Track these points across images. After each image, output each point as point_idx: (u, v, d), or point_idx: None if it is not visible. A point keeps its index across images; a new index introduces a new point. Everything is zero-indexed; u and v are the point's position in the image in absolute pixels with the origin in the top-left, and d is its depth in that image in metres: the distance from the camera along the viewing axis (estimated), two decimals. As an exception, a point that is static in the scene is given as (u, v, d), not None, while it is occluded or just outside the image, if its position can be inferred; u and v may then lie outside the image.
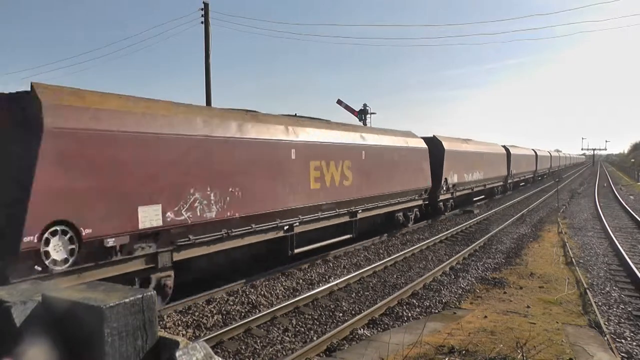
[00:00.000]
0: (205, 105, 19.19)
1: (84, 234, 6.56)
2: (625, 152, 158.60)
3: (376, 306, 8.62)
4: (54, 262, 6.23)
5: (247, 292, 9.49)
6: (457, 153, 21.52)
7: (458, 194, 22.14)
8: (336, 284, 10.03)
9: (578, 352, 6.68)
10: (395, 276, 11.22)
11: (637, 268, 11.28)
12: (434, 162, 18.73)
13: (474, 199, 26.03)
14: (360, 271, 11.10)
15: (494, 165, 28.69)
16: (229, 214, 8.95)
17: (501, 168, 30.77)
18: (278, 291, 9.74)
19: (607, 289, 10.26)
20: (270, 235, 10.43)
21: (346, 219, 13.22)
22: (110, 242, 6.98)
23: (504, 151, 32.23)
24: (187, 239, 8.27)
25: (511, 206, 26.37)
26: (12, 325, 2.17)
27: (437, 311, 8.73)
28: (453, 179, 20.93)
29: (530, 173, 42.51)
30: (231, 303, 8.90)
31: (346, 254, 13.28)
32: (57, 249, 6.28)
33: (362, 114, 33.27)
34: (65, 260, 6.38)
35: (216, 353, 6.35)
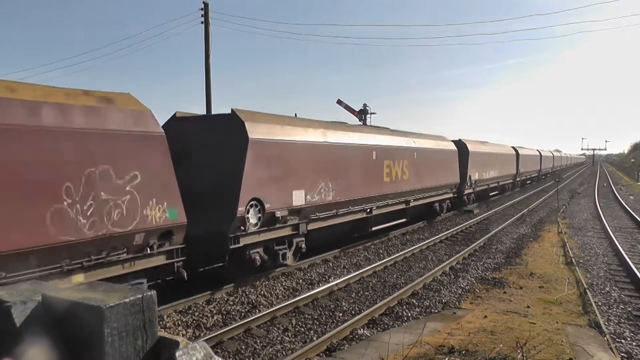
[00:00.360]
0: (205, 105, 19.57)
1: (266, 207, 9.94)
2: (625, 152, 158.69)
3: (376, 306, 8.62)
4: (250, 224, 9.58)
5: (247, 292, 9.49)
6: (478, 154, 24.75)
7: (478, 189, 25.46)
8: (336, 284, 10.03)
9: (578, 352, 6.68)
10: (395, 276, 11.22)
11: (637, 268, 11.28)
12: (460, 162, 21.81)
13: (490, 194, 29.57)
14: (360, 271, 11.10)
15: (505, 164, 31.91)
16: (338, 198, 12.45)
17: (511, 167, 33.86)
18: (278, 291, 9.74)
19: (607, 289, 10.26)
20: (359, 216, 13.83)
21: (402, 206, 16.58)
22: (278, 213, 10.28)
23: (513, 152, 35.12)
24: (315, 215, 11.66)
25: (511, 206, 26.38)
26: (12, 325, 2.17)
27: (437, 311, 8.74)
28: (475, 176, 24.23)
29: (535, 172, 45.31)
30: (231, 303, 8.90)
31: (346, 254, 13.28)
32: (252, 216, 9.66)
33: (362, 114, 33.27)
34: (256, 224, 9.78)
35: (216, 353, 6.35)
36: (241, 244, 9.45)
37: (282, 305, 8.53)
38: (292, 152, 10.78)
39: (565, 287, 10.15)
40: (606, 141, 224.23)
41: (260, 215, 9.84)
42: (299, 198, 10.95)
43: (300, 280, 10.57)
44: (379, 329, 7.83)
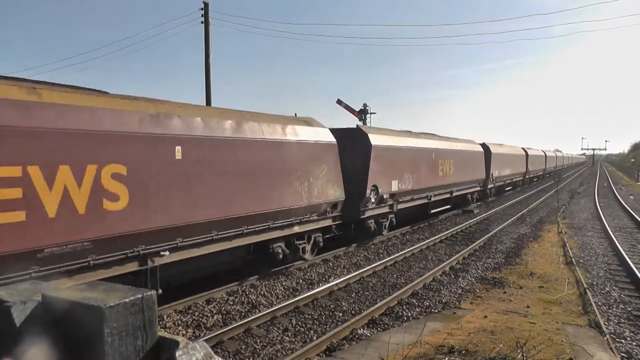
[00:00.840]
0: (205, 104, 19.66)
1: (379, 191, 14.40)
2: (625, 152, 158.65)
3: (376, 306, 8.63)
4: (371, 202, 14.06)
5: (247, 292, 9.49)
6: (498, 155, 29.09)
7: (497, 184, 30.06)
8: (336, 284, 10.03)
9: (578, 352, 6.68)
10: (395, 276, 11.22)
11: (637, 268, 11.29)
12: (485, 161, 26.50)
13: (505, 189, 34.22)
14: (360, 271, 11.10)
15: (518, 163, 36.16)
16: (413, 187, 16.81)
17: (522, 166, 37.88)
18: (278, 291, 9.74)
19: (607, 288, 10.27)
20: (424, 201, 18.30)
21: (448, 195, 20.98)
22: (385, 196, 14.89)
23: (524, 153, 38.91)
24: (401, 198, 16.17)
25: (511, 206, 26.38)
26: (11, 325, 2.17)
27: (437, 311, 8.74)
28: (495, 173, 28.43)
29: (541, 171, 49.93)
30: (231, 303, 8.90)
31: (346, 254, 13.29)
32: (372, 197, 14.12)
33: (362, 113, 33.28)
34: (373, 202, 14.20)
35: (216, 353, 6.35)
36: (365, 215, 14.05)
37: (282, 305, 8.53)
38: (391, 153, 15.35)
39: (565, 287, 10.15)
40: (606, 141, 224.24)
41: (376, 196, 14.45)
42: (394, 186, 15.60)
43: (300, 280, 10.57)
44: (379, 328, 7.83)
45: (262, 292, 9.55)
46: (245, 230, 9.28)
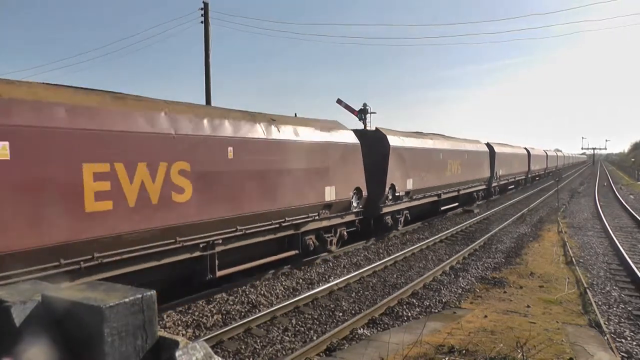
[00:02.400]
0: (205, 104, 19.69)
1: (396, 189, 15.49)
2: (626, 151, 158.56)
3: (376, 306, 8.63)
4: (388, 200, 15.17)
5: (247, 292, 9.49)
6: (502, 154, 30.26)
7: (501, 183, 31.39)
8: (336, 284, 10.03)
9: (578, 351, 6.68)
10: (395, 276, 11.22)
11: (637, 267, 11.28)
12: (490, 161, 27.83)
13: (509, 187, 35.34)
14: (360, 271, 11.10)
15: (521, 163, 37.70)
16: (425, 185, 18.13)
17: (525, 165, 39.36)
18: (278, 291, 9.74)
19: (607, 288, 10.27)
20: (434, 198, 19.51)
21: (456, 193, 22.20)
22: (401, 193, 16.08)
23: (526, 152, 40.28)
24: (415, 196, 17.41)
25: (511, 206, 26.38)
26: (11, 325, 2.17)
27: (437, 311, 8.74)
28: (500, 172, 29.64)
29: (543, 170, 51.31)
30: (231, 303, 8.89)
31: (346, 254, 13.29)
32: (390, 194, 15.13)
33: (362, 113, 33.28)
34: (390, 199, 15.30)
35: (216, 353, 6.35)
36: (383, 211, 15.14)
37: (282, 305, 8.53)
38: (407, 153, 16.44)
39: (566, 286, 10.15)
40: (606, 140, 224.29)
41: (393, 194, 15.50)
42: (409, 184, 16.61)
43: (300, 280, 10.57)
44: (379, 328, 7.83)
45: (262, 292, 9.55)
46: (283, 224, 10.44)
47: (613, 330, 7.81)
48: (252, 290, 9.64)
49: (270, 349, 6.95)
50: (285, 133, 10.64)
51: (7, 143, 5.71)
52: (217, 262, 8.85)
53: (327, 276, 10.97)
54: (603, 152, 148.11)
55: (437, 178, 19.26)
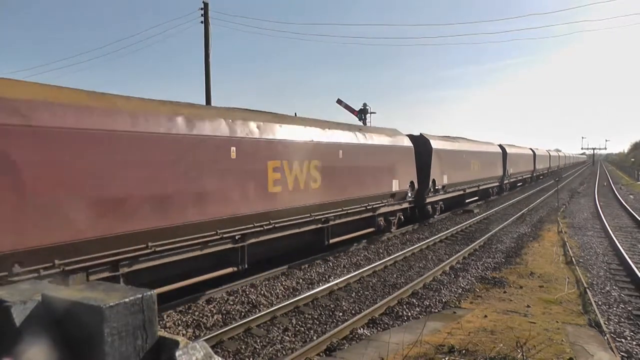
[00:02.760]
0: (205, 104, 19.75)
1: (436, 183, 18.73)
2: (625, 151, 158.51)
3: (376, 306, 8.63)
4: (431, 192, 18.34)
5: (247, 292, 9.49)
6: (512, 154, 33.88)
7: (511, 180, 35.08)
8: (336, 284, 10.03)
9: (578, 351, 6.68)
10: (395, 276, 11.22)
11: (637, 267, 11.28)
12: (501, 160, 31.41)
13: (517, 184, 39.44)
14: (360, 271, 11.10)
15: (527, 162, 41.19)
16: (454, 181, 21.23)
17: (530, 165, 42.75)
18: (278, 291, 9.74)
19: (607, 288, 10.27)
20: (460, 193, 22.98)
21: (476, 189, 25.61)
22: (439, 187, 19.15)
23: (531, 153, 43.70)
24: (448, 189, 20.55)
25: (511, 205, 26.38)
26: (11, 325, 2.17)
27: (437, 311, 8.74)
28: (510, 170, 33.07)
29: (546, 169, 54.13)
30: (231, 303, 8.90)
31: (346, 254, 13.29)
32: (431, 187, 18.29)
33: (362, 113, 33.28)
34: (432, 192, 18.45)
35: (216, 353, 6.35)
36: (426, 201, 18.45)
37: (282, 304, 8.53)
38: (444, 154, 19.86)
39: (565, 286, 10.15)
40: (606, 140, 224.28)
41: (434, 187, 18.71)
42: (445, 180, 20.00)
43: (300, 280, 10.57)
44: (379, 328, 7.83)
45: (262, 292, 9.55)
46: (367, 207, 14.02)
47: (613, 330, 7.81)
48: (252, 290, 9.64)
49: (270, 349, 6.95)
50: (370, 139, 14.45)
51: (234, 147, 9.05)
52: (330, 232, 12.36)
53: (327, 276, 10.97)
54: (603, 152, 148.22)
55: (463, 175, 22.96)
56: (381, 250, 13.98)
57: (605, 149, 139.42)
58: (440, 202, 20.43)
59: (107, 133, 6.74)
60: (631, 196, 33.77)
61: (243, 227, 9.28)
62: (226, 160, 8.89)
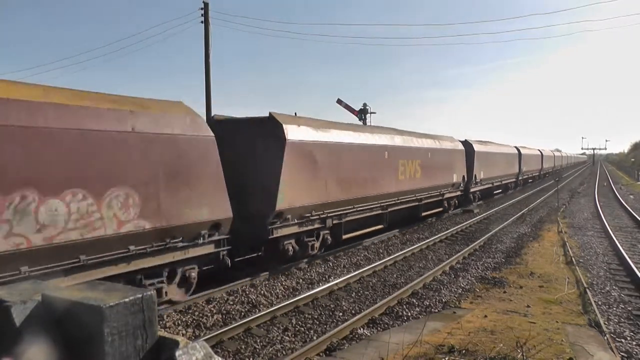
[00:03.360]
0: (205, 103, 19.93)
1: (476, 177, 24.67)
2: (625, 151, 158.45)
3: (376, 306, 8.63)
4: (473, 184, 24.42)
5: (247, 292, 9.49)
6: (525, 155, 39.45)
7: (525, 177, 40.99)
8: (336, 284, 10.03)
9: (578, 351, 6.68)
10: (395, 276, 11.22)
11: (637, 267, 11.28)
12: (518, 161, 36.95)
13: (529, 181, 44.45)
14: (360, 271, 11.10)
15: (535, 161, 46.32)
16: (486, 176, 26.34)
17: (538, 164, 48.11)
18: (278, 291, 9.74)
19: (607, 288, 10.27)
20: (489, 186, 28.14)
21: (499, 183, 31.19)
22: (478, 181, 24.94)
23: (539, 153, 49.23)
24: (483, 183, 26.16)
25: (511, 205, 26.39)
26: (11, 325, 2.17)
27: (437, 311, 8.74)
28: (523, 169, 38.59)
29: (551, 168, 59.70)
30: (231, 302, 8.90)
31: (346, 254, 13.29)
32: (474, 182, 24.46)
33: (362, 113, 33.28)
34: (474, 184, 24.62)
35: (216, 352, 6.35)
36: (471, 191, 24.19)
37: (282, 304, 8.53)
38: (481, 155, 25.25)
39: (565, 286, 10.15)
40: (606, 140, 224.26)
41: (475, 181, 24.18)
42: (482, 175, 25.49)
43: (300, 280, 10.57)
44: (379, 328, 7.83)
45: (262, 292, 9.55)
46: (440, 192, 19.71)
47: (613, 330, 7.81)
48: (252, 290, 9.64)
49: (270, 349, 6.96)
50: (442, 144, 20.13)
51: (387, 152, 14.91)
52: (422, 208, 18.19)
53: (327, 276, 10.97)
54: (603, 152, 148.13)
55: (492, 172, 28.01)
56: (381, 250, 13.98)
57: (606, 149, 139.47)
58: (478, 192, 26.17)
59: (344, 145, 12.73)
60: (631, 196, 33.77)
61: (387, 200, 15.10)
62: (382, 159, 14.72)
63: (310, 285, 10.20)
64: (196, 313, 8.29)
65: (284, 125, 10.38)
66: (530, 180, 44.52)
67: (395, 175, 15.43)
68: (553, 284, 10.43)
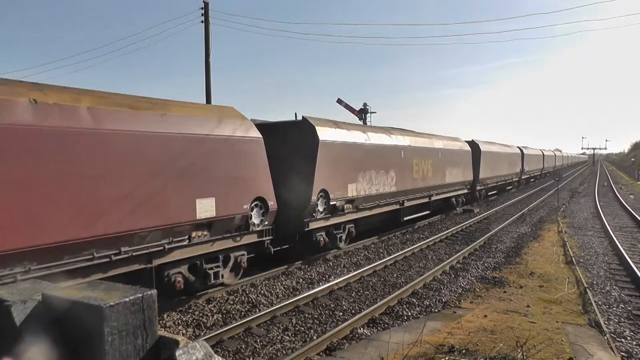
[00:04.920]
0: (205, 102, 19.92)
1: (481, 176, 26.60)
2: (626, 151, 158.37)
3: (376, 305, 8.63)
4: (479, 182, 26.62)
5: (247, 291, 9.50)
6: (527, 155, 41.12)
7: (526, 176, 42.07)
8: (336, 283, 10.03)
9: (578, 351, 6.68)
10: (395, 275, 11.22)
11: (637, 267, 11.28)
12: (521, 160, 38.68)
13: (530, 180, 45.92)
14: (360, 270, 11.10)
15: (537, 161, 47.91)
16: (491, 175, 28.39)
17: (540, 164, 49.75)
18: (278, 290, 9.74)
19: (607, 288, 10.26)
20: (494, 184, 30.20)
21: (504, 182, 32.75)
22: (482, 179, 26.77)
23: (541, 153, 50.69)
24: (487, 182, 28.25)
25: (511, 205, 26.38)
26: (12, 324, 2.17)
27: (437, 310, 8.74)
28: (526, 168, 40.27)
29: (552, 167, 60.28)
30: (231, 302, 8.90)
31: (346, 253, 13.29)
32: (479, 180, 26.16)
33: (362, 113, 33.27)
34: (479, 182, 26.40)
35: (216, 352, 6.36)
36: (477, 189, 25.72)
37: (282, 304, 8.53)
38: (487, 155, 26.72)
39: (566, 286, 10.15)
40: (606, 140, 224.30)
41: (479, 179, 25.88)
42: (489, 173, 27.47)
43: (300, 280, 10.58)
44: (379, 328, 7.83)
45: (262, 292, 9.55)
46: (449, 190, 21.39)
47: (613, 330, 7.80)
48: (252, 289, 9.64)
49: (270, 349, 6.96)
50: (452, 145, 21.93)
51: (403, 151, 16.26)
52: (431, 204, 19.36)
53: (327, 275, 10.98)
54: (603, 152, 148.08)
55: (497, 170, 29.89)
56: (381, 250, 13.98)
57: (606, 148, 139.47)
58: (483, 190, 27.74)
59: (365, 145, 14.07)
60: (631, 196, 33.76)
61: (403, 197, 16.50)
62: (399, 158, 16.02)
63: (310, 285, 10.20)
64: (196, 312, 8.30)
65: (317, 128, 11.57)
66: (531, 180, 45.97)
67: (410, 173, 16.75)
68: (553, 283, 10.43)
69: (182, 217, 7.78)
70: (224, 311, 8.43)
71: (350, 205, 13.03)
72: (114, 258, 6.80)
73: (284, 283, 10.23)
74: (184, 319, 8.01)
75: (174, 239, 7.73)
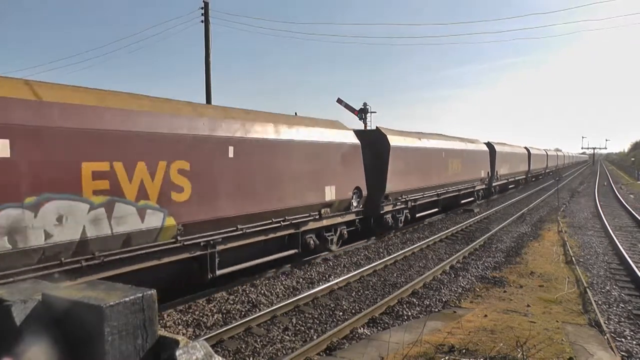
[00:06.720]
0: (205, 102, 19.98)
1: (497, 173, 30.24)
2: (626, 150, 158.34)
3: (376, 305, 8.63)
4: (495, 179, 29.79)
5: (247, 291, 9.50)
6: (534, 155, 43.35)
7: (533, 174, 44.94)
8: (336, 283, 10.03)
9: (578, 350, 6.69)
10: (395, 275, 11.22)
11: (637, 267, 11.28)
12: (527, 160, 41.05)
13: (533, 179, 47.72)
14: (360, 270, 11.10)
15: (541, 161, 50.27)
16: (507, 172, 32.47)
17: (544, 163, 52.20)
18: (278, 290, 9.74)
19: (607, 287, 10.26)
20: (505, 181, 33.00)
21: (513, 179, 35.26)
22: (497, 176, 29.83)
23: (545, 153, 53.43)
24: (500, 179, 30.91)
25: (511, 205, 26.38)
26: (12, 324, 2.17)
27: (437, 310, 8.74)
28: (532, 167, 42.46)
29: (554, 166, 63.03)
30: (231, 302, 8.90)
31: (346, 253, 13.29)
32: (494, 177, 29.45)
33: (362, 112, 33.27)
34: (495, 179, 29.61)
35: (216, 352, 6.35)
36: (493, 184, 28.60)
37: (282, 304, 8.53)
38: (500, 155, 28.93)
39: (566, 286, 10.15)
40: (606, 140, 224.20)
41: (495, 176, 28.70)
42: (502, 171, 30.41)
43: (301, 279, 10.58)
44: (379, 328, 7.83)
45: (262, 291, 9.55)
46: (472, 185, 24.11)
47: (613, 330, 7.81)
48: (252, 289, 9.64)
49: (270, 348, 6.96)
50: (471, 146, 24.24)
51: (444, 152, 20.04)
52: (460, 197, 22.39)
53: (327, 275, 10.98)
54: (603, 151, 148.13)
55: (508, 169, 32.09)
56: (381, 250, 13.98)
57: (606, 148, 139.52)
58: (497, 186, 30.21)
59: (420, 148, 17.60)
60: (631, 196, 33.76)
61: (441, 189, 19.75)
62: (440, 158, 18.78)
63: (310, 285, 10.20)
64: (196, 312, 8.30)
65: (388, 136, 15.27)
66: (533, 179, 48.32)
67: (446, 171, 20.27)
68: (553, 283, 10.43)
69: (316, 199, 11.52)
70: (224, 311, 8.43)
71: (406, 196, 16.73)
72: (282, 224, 10.38)
73: (284, 283, 10.23)
74: (184, 318, 8.01)
75: (312, 213, 11.45)
